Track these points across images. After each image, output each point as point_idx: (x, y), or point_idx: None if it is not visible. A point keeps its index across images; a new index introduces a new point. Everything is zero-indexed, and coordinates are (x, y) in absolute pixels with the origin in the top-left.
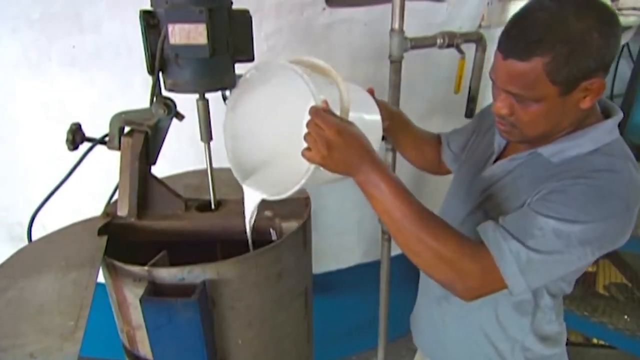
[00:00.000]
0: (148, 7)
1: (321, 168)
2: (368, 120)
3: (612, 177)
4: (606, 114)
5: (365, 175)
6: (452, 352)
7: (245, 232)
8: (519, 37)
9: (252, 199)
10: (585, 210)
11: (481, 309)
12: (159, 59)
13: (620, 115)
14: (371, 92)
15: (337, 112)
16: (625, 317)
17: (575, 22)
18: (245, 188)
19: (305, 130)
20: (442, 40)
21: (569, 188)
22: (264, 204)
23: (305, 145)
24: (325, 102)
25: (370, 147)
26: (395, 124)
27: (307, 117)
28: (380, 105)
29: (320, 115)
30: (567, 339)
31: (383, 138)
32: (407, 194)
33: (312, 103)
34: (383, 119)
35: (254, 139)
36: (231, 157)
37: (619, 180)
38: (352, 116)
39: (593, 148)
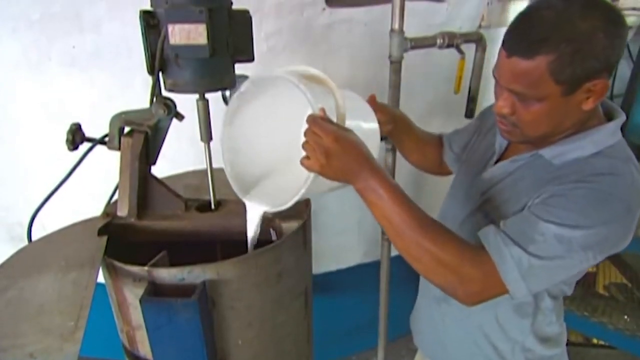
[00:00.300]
0: (148, 7)
1: (320, 177)
2: (365, 128)
3: (614, 180)
4: (609, 116)
5: (364, 182)
6: (452, 353)
7: (247, 244)
8: (524, 35)
9: (254, 212)
10: (586, 215)
11: (481, 310)
12: (159, 59)
13: (622, 118)
14: (372, 98)
15: (335, 121)
16: (625, 317)
17: (581, 22)
18: (246, 202)
19: (303, 139)
20: (442, 41)
21: (570, 192)
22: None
23: (303, 154)
24: (323, 110)
25: (369, 154)
26: (398, 127)
27: (305, 126)
28: (384, 108)
29: (318, 123)
30: (567, 339)
31: (384, 139)
32: (406, 199)
33: (310, 112)
34: (386, 123)
35: (252, 151)
36: (229, 170)
37: (621, 183)
38: (349, 124)
39: (595, 151)
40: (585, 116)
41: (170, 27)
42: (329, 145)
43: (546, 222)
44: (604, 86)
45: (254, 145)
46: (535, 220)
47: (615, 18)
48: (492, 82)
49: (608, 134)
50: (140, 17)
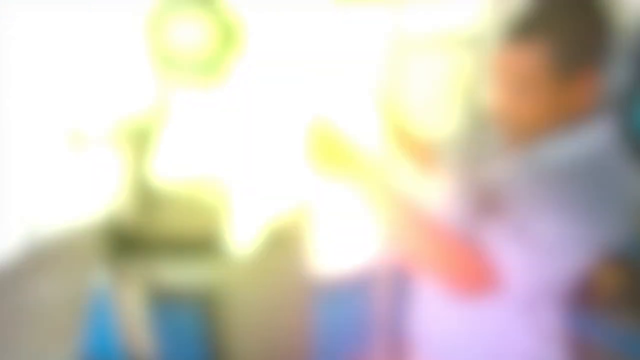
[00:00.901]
0: (148, 7)
1: (317, 177)
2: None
3: (611, 177)
4: (603, 115)
5: (361, 181)
6: (451, 353)
7: (239, 245)
8: (520, 26)
9: (246, 216)
10: (585, 211)
11: (481, 309)
12: (159, 59)
13: (617, 116)
14: (370, 101)
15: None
16: (625, 317)
17: (579, 15)
18: (238, 206)
19: (299, 145)
20: (442, 41)
21: (568, 189)
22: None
23: (302, 157)
24: (320, 116)
25: (364, 153)
26: (395, 128)
27: (301, 134)
28: (382, 109)
29: (317, 132)
30: (567, 339)
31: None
32: (404, 197)
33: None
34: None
35: (251, 157)
36: (225, 173)
37: (618, 180)
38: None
39: (590, 148)
40: (579, 112)
41: (170, 27)
42: (325, 151)
43: (545, 219)
44: (598, 81)
45: (253, 151)
46: (534, 216)
47: (611, 15)
48: (491, 82)
49: (603, 132)
50: (141, 17)
